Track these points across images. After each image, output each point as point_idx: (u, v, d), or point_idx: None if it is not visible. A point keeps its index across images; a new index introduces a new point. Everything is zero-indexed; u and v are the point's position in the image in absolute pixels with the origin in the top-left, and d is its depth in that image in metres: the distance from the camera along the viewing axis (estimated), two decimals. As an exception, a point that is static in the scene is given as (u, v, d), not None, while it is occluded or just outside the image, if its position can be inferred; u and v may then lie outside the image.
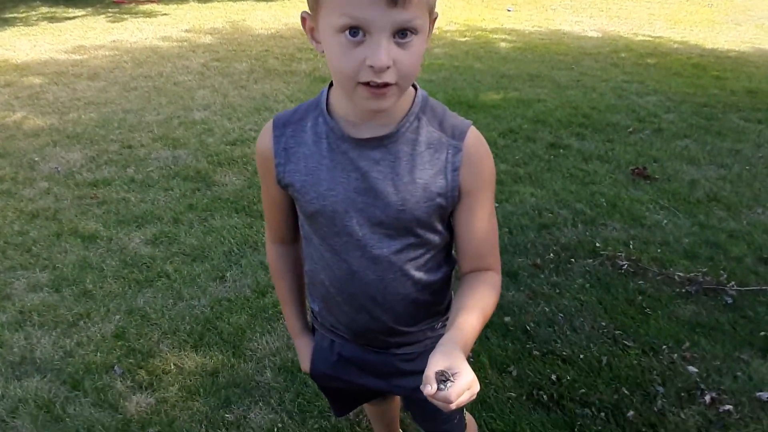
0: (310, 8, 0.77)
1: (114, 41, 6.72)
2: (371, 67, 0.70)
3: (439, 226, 0.91)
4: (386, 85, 0.72)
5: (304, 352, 1.12)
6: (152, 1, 8.82)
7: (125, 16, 8.07)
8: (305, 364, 1.13)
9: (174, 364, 1.97)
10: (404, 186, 0.84)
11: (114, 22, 7.76)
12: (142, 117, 4.30)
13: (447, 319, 0.89)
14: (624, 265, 2.43)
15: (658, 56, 6.33)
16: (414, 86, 0.86)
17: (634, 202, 3.00)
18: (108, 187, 3.23)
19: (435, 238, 0.91)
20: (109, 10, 8.50)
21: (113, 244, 2.69)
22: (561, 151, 3.66)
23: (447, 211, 0.89)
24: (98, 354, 2.02)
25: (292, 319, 1.12)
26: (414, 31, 0.71)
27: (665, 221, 2.81)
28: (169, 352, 2.03)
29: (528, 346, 1.99)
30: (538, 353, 1.96)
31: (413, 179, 0.84)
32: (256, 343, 2.05)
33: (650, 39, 7.19)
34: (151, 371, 1.94)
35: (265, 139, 0.91)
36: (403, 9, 0.68)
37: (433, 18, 0.77)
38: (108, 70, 5.53)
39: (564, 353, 1.96)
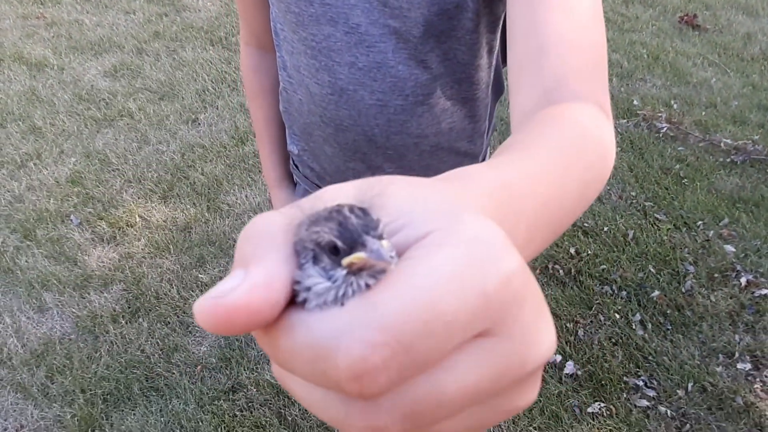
0: None
1: None
2: None
3: (479, 34, 0.55)
4: None
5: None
6: None
7: None
8: None
9: (139, 216, 1.71)
10: None
11: None
12: None
13: None
14: (663, 128, 2.09)
15: None
16: None
17: (679, 56, 2.56)
18: (57, 6, 2.70)
19: (471, 50, 0.56)
20: None
21: (66, 75, 2.28)
22: (599, -10, 3.08)
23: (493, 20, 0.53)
24: (51, 200, 1.75)
25: (269, 162, 0.80)
26: None
27: (714, 79, 2.41)
28: (134, 202, 1.76)
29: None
30: (556, 223, 1.72)
31: None
32: (234, 197, 1.78)
33: None
34: (113, 223, 1.69)
35: None
36: None
37: None
38: None
39: (586, 225, 1.72)
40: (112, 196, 1.78)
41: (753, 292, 1.54)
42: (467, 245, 0.15)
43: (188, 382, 1.31)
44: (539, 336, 0.16)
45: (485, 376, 0.15)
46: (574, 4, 0.40)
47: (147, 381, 1.32)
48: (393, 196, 0.17)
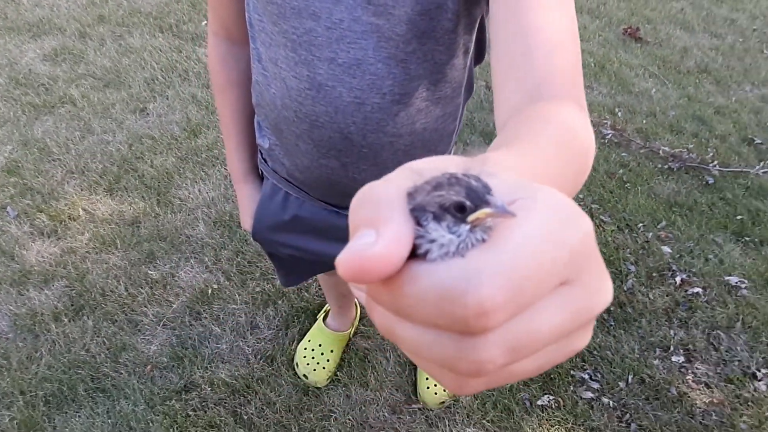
0: None
1: None
2: None
3: (458, 32, 0.56)
4: None
5: (246, 204, 0.82)
6: None
7: None
8: (247, 221, 0.83)
9: (83, 209, 1.63)
10: None
11: None
12: None
13: None
14: (609, 134, 2.20)
15: None
16: None
17: (623, 66, 2.70)
18: (-10, -19, 2.51)
19: (449, 48, 0.57)
20: None
21: (0, 57, 2.13)
22: (550, -1, 3.20)
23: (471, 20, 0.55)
24: (-16, 191, 1.63)
25: (235, 156, 0.78)
26: None
27: (654, 90, 2.56)
28: (77, 194, 1.67)
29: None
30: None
31: None
32: (186, 191, 1.72)
33: None
34: (54, 215, 1.59)
35: None
36: None
37: None
38: None
39: (537, 224, 1.78)
40: (53, 187, 1.68)
41: (686, 290, 1.65)
42: (553, 210, 0.19)
43: (137, 382, 1.26)
44: (604, 284, 0.19)
45: (567, 318, 0.18)
46: (556, 9, 0.44)
47: (93, 381, 1.25)
48: (491, 175, 0.20)
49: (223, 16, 0.68)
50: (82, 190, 1.68)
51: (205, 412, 1.23)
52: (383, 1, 0.51)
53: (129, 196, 1.68)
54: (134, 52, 2.24)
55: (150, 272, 1.49)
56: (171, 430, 1.19)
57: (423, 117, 0.60)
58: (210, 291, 1.46)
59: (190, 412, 1.22)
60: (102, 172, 1.75)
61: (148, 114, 1.99)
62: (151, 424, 1.19)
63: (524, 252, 0.17)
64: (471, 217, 0.19)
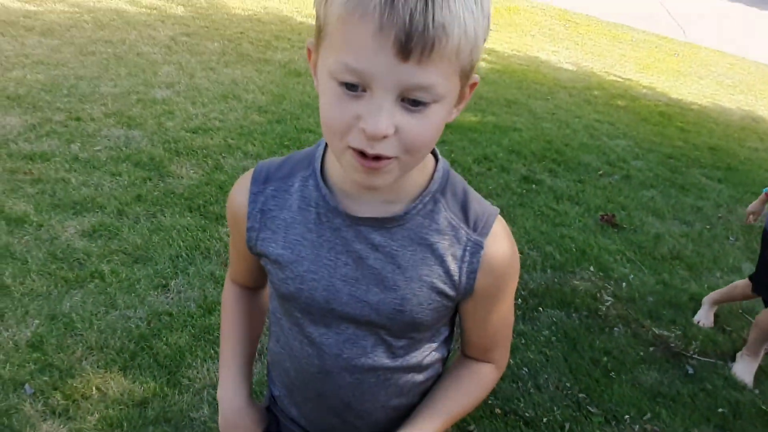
0: (314, 38, 0.59)
1: (75, -4, 6.19)
2: (364, 131, 0.53)
3: (443, 329, 0.77)
4: (379, 158, 0.55)
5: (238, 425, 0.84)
6: (123, -41, 8.19)
7: (91, -29, 7.48)
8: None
9: (96, 388, 1.73)
10: (406, 282, 0.67)
11: (78, -26, 7.17)
12: (96, 86, 3.93)
13: None
14: (591, 320, 2.37)
15: (627, 99, 6.47)
16: (434, 153, 0.70)
17: (602, 251, 2.97)
18: (46, 163, 2.89)
19: (434, 341, 0.77)
20: (74, -40, 7.86)
21: (43, 232, 2.39)
22: (534, 186, 3.61)
23: (454, 312, 0.75)
24: (8, 366, 1.75)
25: (229, 381, 0.83)
26: (431, 97, 0.53)
27: (632, 276, 2.79)
28: (93, 372, 1.78)
29: (491, 402, 1.88)
30: (500, 411, 1.85)
31: (419, 275, 0.67)
32: (195, 371, 1.83)
33: (621, 80, 7.36)
34: (69, 395, 1.69)
35: (239, 195, 0.73)
36: (418, 66, 0.50)
37: (470, 83, 0.61)
38: (65, 28, 5.06)
39: (527, 414, 1.86)
40: (72, 363, 1.80)
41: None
42: None
43: None
44: None
45: None
46: (502, 308, 0.74)
47: None
48: None
49: (240, 274, 0.85)
50: (98, 367, 1.80)
51: None
52: (385, 327, 0.70)
53: (141, 375, 1.79)
54: (164, 230, 2.51)
55: (152, 458, 1.54)
56: None
57: (410, 386, 0.77)
58: (208, 480, 1.50)
59: None
60: (119, 348, 1.88)
61: (169, 290, 2.18)
62: None
63: None
64: None
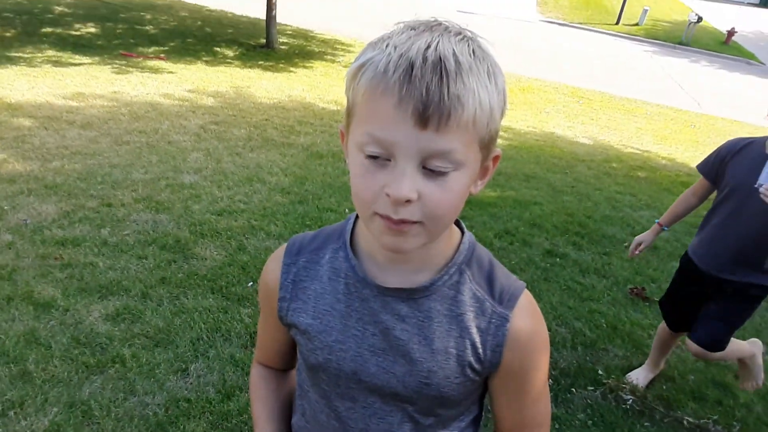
0: (344, 120, 0.64)
1: (115, 92, 6.68)
2: (388, 196, 0.57)
3: (473, 408, 0.73)
4: (403, 222, 0.58)
5: None
6: (161, 58, 8.94)
7: (131, 69, 8.13)
8: None
9: (110, 482, 1.66)
10: (432, 354, 0.67)
11: (118, 73, 7.80)
12: (128, 174, 4.14)
13: None
14: (629, 400, 2.23)
15: (647, 170, 6.50)
16: (460, 227, 0.72)
17: (634, 326, 2.84)
18: (77, 248, 2.99)
19: (462, 420, 0.73)
20: (116, 61, 8.58)
21: (69, 317, 2.42)
22: (558, 260, 3.55)
23: (483, 390, 0.72)
24: (22, 458, 1.71)
25: None
26: (451, 165, 0.57)
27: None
28: (108, 464, 1.72)
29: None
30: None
31: (445, 347, 0.67)
32: (211, 462, 1.76)
33: (639, 152, 7.43)
34: (81, 489, 1.62)
35: (272, 267, 0.76)
36: (436, 133, 0.55)
37: (492, 155, 0.65)
38: (103, 121, 5.43)
39: None
40: (87, 455, 1.75)
41: None
42: None
43: None
44: None
45: None
46: (534, 389, 0.71)
47: None
48: None
49: (267, 355, 0.85)
50: (113, 458, 1.74)
51: None
52: (412, 401, 0.68)
53: (156, 467, 1.72)
54: (186, 312, 2.51)
55: None
56: None
57: None
58: None
59: None
60: (135, 438, 1.82)
61: (188, 375, 2.14)
62: None
63: None
64: None
